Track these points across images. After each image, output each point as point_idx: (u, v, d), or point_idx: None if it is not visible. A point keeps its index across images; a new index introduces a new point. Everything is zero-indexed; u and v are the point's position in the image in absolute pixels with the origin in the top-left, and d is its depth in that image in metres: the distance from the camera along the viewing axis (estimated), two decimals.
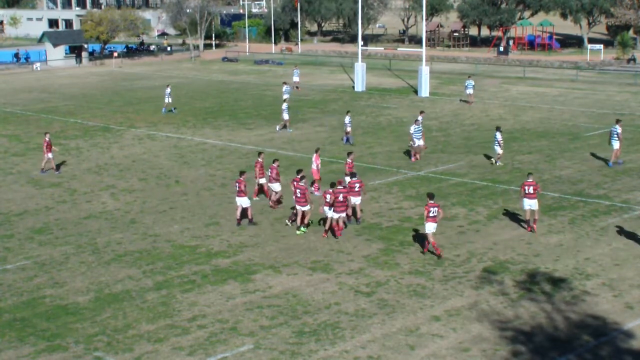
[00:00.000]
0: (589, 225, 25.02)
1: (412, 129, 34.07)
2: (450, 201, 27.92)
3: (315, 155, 29.20)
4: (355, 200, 24.95)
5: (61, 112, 50.57)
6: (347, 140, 38.05)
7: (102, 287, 20.30)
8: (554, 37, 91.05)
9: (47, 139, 32.74)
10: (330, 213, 23.72)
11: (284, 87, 49.47)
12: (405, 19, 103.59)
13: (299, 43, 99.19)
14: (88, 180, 31.93)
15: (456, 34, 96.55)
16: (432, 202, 22.03)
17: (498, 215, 26.20)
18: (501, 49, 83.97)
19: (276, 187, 27.12)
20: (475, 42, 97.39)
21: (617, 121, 33.74)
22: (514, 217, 25.90)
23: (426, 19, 75.98)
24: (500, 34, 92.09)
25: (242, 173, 25.66)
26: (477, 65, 75.77)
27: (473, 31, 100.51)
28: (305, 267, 21.51)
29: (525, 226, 24.69)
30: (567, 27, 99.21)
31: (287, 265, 21.69)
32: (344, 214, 23.85)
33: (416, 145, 34.14)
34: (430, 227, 22.01)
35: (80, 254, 22.88)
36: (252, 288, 20.10)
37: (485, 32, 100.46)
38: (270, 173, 27.10)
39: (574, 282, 20.28)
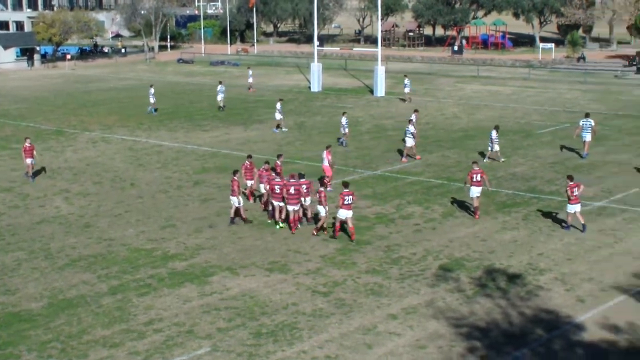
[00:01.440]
0: (542, 221, 25.44)
1: (411, 128, 34.19)
2: (406, 200, 28.14)
3: (326, 151, 29.45)
4: (306, 200, 25.00)
5: (12, 115, 49.67)
6: (342, 142, 37.67)
7: (55, 292, 20.00)
8: (507, 36, 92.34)
9: (27, 144, 31.98)
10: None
11: (219, 87, 49.72)
12: (361, 19, 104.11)
13: (255, 44, 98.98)
14: (41, 184, 31.40)
15: (411, 33, 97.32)
16: (346, 190, 23.38)
17: (453, 213, 26.49)
18: (455, 48, 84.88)
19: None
20: (430, 41, 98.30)
21: (587, 115, 35.14)
22: (469, 214, 26.22)
23: (381, 19, 76.38)
24: (454, 33, 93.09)
25: (235, 172, 25.89)
26: (431, 64, 76.44)
27: (428, 31, 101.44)
28: (263, 268, 21.48)
29: (473, 215, 25.73)
30: (519, 26, 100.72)
31: (244, 267, 21.62)
32: (297, 207, 24.45)
33: (408, 145, 34.25)
34: (343, 214, 23.32)
35: (33, 259, 22.49)
36: (209, 290, 20.00)
37: (439, 31, 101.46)
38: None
39: (528, 277, 20.60)
